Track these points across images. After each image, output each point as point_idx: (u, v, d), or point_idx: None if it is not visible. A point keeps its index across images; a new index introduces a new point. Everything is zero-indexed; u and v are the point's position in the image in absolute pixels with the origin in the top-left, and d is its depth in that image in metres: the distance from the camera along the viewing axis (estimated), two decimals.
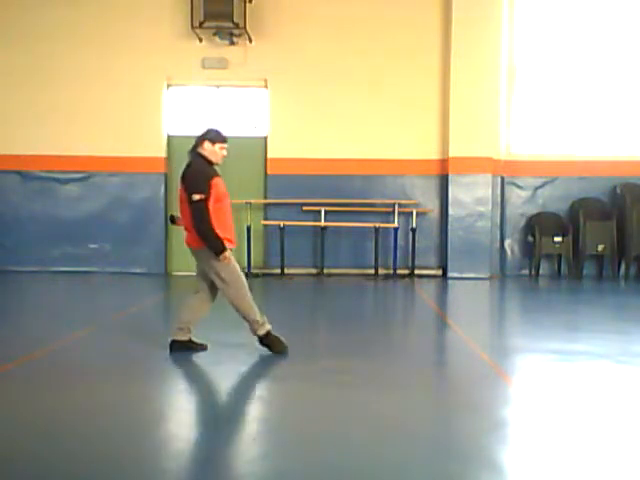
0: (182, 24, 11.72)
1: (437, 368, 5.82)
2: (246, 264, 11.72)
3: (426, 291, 10.55)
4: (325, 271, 11.78)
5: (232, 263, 5.78)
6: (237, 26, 11.39)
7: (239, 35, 11.69)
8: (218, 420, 4.25)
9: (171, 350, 5.88)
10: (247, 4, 11.44)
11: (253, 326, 5.88)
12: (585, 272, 11.92)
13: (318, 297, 10.37)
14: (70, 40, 11.89)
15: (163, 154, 12.11)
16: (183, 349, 5.88)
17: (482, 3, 11.64)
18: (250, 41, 11.81)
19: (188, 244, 5.88)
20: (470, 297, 10.18)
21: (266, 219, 12.01)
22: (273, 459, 3.59)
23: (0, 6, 11.93)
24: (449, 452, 3.71)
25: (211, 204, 5.60)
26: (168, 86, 12.15)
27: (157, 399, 4.75)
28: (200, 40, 11.78)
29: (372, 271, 11.70)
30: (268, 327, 5.91)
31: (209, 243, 5.62)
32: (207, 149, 5.79)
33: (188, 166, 5.79)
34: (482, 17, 11.62)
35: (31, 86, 11.92)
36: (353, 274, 11.86)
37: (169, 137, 12.21)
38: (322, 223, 11.69)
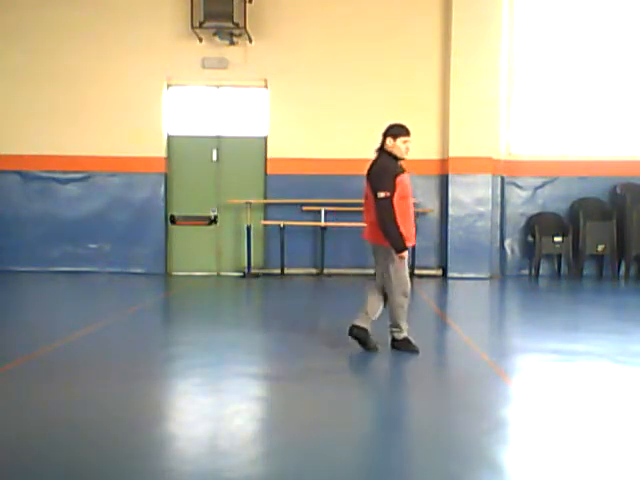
0: (182, 24, 11.73)
1: (437, 368, 5.82)
2: (246, 264, 11.74)
3: (426, 291, 10.55)
4: (325, 271, 11.78)
5: (404, 264, 5.85)
6: (237, 26, 11.39)
7: (239, 35, 11.69)
8: (218, 420, 4.25)
9: (350, 334, 5.92)
10: (247, 4, 11.44)
11: (395, 329, 5.94)
12: (585, 272, 11.92)
13: (318, 297, 10.37)
14: (70, 40, 11.89)
15: (163, 154, 12.11)
16: (360, 336, 5.88)
17: (482, 3, 11.64)
18: (250, 41, 11.82)
19: (368, 238, 5.94)
20: (470, 297, 10.18)
21: (266, 219, 12.00)
22: (273, 459, 3.59)
23: (0, 6, 11.93)
24: (449, 452, 3.71)
25: (395, 200, 5.66)
26: (168, 86, 12.15)
27: (157, 399, 4.75)
28: (200, 40, 11.78)
29: (372, 271, 11.66)
30: (405, 334, 5.95)
31: (392, 240, 5.68)
32: (390, 145, 5.83)
33: (374, 163, 5.83)
34: (482, 17, 11.62)
35: (31, 86, 11.92)
36: (353, 274, 11.86)
37: (169, 137, 12.21)
38: (322, 223, 11.69)
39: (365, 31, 11.96)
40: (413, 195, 11.79)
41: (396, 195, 5.68)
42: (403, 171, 5.84)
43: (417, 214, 11.77)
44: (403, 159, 5.90)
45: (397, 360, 5.86)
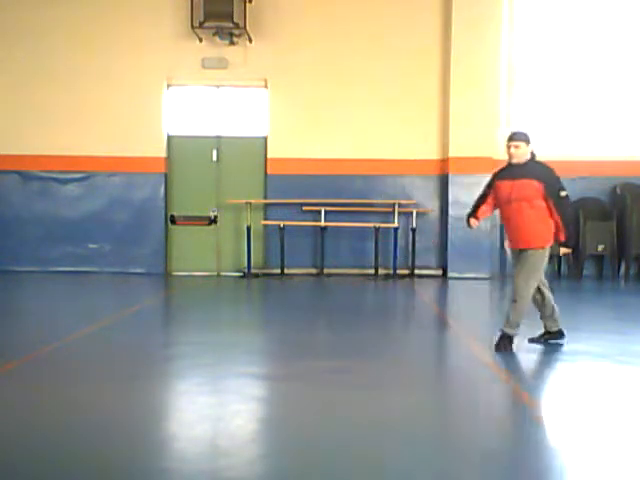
0: (182, 24, 11.72)
1: (437, 368, 5.82)
2: (246, 264, 11.73)
3: (426, 291, 10.55)
4: (325, 271, 11.77)
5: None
6: (237, 26, 11.39)
7: (239, 35, 11.69)
8: (218, 420, 4.25)
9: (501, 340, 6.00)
10: (247, 4, 11.44)
11: (508, 324, 5.97)
12: (585, 272, 11.91)
13: (318, 297, 10.36)
14: (70, 40, 11.89)
15: (163, 154, 12.11)
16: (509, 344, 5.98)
17: (482, 3, 11.64)
18: (250, 41, 11.81)
19: (525, 244, 6.03)
20: (470, 297, 10.18)
21: (266, 219, 12.00)
22: (273, 459, 3.59)
23: (0, 6, 11.93)
24: (449, 452, 3.71)
25: (489, 203, 6.25)
26: (168, 86, 12.15)
27: (157, 399, 4.75)
28: (200, 40, 11.78)
29: (372, 271, 11.69)
30: (516, 333, 5.98)
31: (571, 237, 5.98)
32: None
33: (535, 166, 6.04)
34: (482, 17, 11.62)
35: (31, 86, 11.92)
36: (353, 274, 11.85)
37: (169, 137, 12.21)
38: (322, 223, 11.68)
39: (365, 31, 11.96)
40: (413, 196, 11.95)
41: (489, 198, 6.25)
42: (506, 177, 6.08)
43: (417, 214, 11.90)
44: (511, 163, 6.09)
45: (397, 360, 5.86)
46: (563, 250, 6.09)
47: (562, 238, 5.99)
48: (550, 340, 6.25)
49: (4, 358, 5.60)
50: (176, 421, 4.34)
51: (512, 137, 6.09)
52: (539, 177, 5.99)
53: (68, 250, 12.04)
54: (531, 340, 6.27)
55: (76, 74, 11.92)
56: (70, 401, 4.56)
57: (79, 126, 11.95)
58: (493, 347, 5.96)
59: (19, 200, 12.09)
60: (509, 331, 5.95)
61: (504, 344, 5.94)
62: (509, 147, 6.04)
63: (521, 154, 6.03)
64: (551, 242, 6.01)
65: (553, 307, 6.20)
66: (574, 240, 6.11)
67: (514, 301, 5.98)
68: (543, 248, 5.98)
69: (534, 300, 6.16)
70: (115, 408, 4.41)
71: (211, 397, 4.72)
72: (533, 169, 6.03)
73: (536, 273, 6.01)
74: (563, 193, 5.99)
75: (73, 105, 11.96)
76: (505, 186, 6.05)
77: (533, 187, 5.95)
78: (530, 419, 4.28)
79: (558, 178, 6.08)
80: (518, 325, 5.96)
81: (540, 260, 5.99)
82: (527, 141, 6.05)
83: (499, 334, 5.98)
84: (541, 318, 6.26)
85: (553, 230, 5.97)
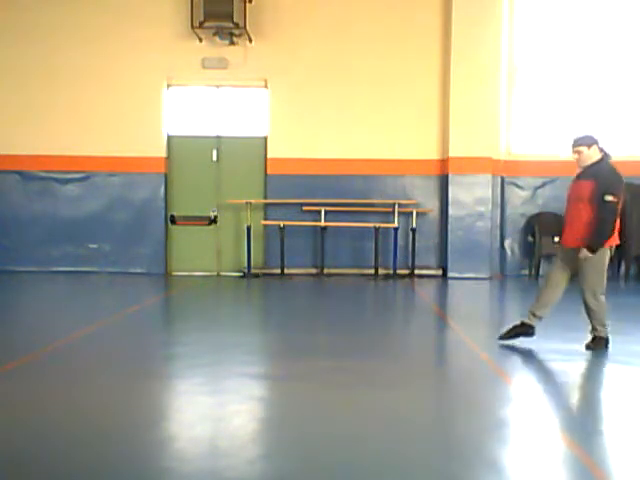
0: (182, 24, 11.72)
1: (437, 368, 5.82)
2: (246, 264, 11.73)
3: (426, 291, 10.55)
4: (325, 271, 11.78)
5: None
6: (237, 26, 11.39)
7: (239, 35, 11.69)
8: (218, 420, 4.25)
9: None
10: (247, 4, 11.44)
11: (596, 327, 6.13)
12: None
13: (318, 297, 10.36)
14: (70, 40, 11.89)
15: (163, 154, 12.11)
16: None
17: (482, 3, 11.64)
18: (250, 41, 11.81)
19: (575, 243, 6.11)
20: (470, 297, 10.17)
21: (266, 219, 12.00)
22: (273, 459, 3.59)
23: (0, 6, 11.93)
24: (449, 452, 3.71)
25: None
26: (168, 86, 12.15)
27: (157, 399, 4.75)
28: (200, 40, 11.78)
29: (372, 271, 11.69)
30: (607, 332, 6.11)
31: (596, 242, 6.03)
32: None
33: (596, 166, 6.13)
34: (482, 17, 11.62)
35: (31, 86, 11.92)
36: (353, 274, 11.85)
37: (169, 137, 12.21)
38: (322, 223, 11.69)
39: (365, 31, 11.96)
40: (413, 196, 11.95)
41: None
42: (577, 178, 6.18)
43: (417, 214, 11.90)
44: (580, 167, 6.19)
45: (397, 360, 5.86)
46: (583, 252, 5.98)
47: (588, 240, 5.97)
48: (519, 333, 6.27)
49: (4, 358, 5.61)
50: (176, 421, 4.34)
51: (573, 144, 6.16)
52: (594, 177, 6.04)
53: (68, 250, 12.04)
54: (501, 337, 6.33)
55: (76, 74, 11.92)
56: (70, 401, 4.56)
57: (79, 126, 11.95)
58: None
59: (19, 200, 12.09)
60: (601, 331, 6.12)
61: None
62: (574, 153, 6.15)
63: (584, 159, 6.11)
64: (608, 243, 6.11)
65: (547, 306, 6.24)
66: (597, 246, 5.99)
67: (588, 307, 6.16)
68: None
69: (543, 284, 6.35)
70: (115, 408, 4.41)
71: (211, 397, 4.71)
72: (592, 170, 6.09)
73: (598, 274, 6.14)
74: (608, 197, 5.95)
75: (73, 105, 11.96)
76: (574, 186, 6.21)
77: (586, 188, 6.04)
78: (530, 419, 4.28)
79: (613, 181, 6.06)
80: (605, 326, 6.11)
81: (598, 260, 6.04)
82: (588, 144, 6.10)
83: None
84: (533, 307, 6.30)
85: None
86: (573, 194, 6.16)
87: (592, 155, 6.10)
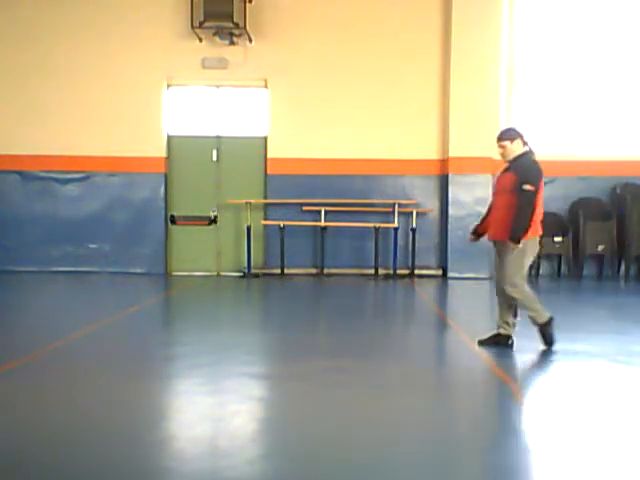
0: (182, 24, 11.72)
1: (437, 368, 5.82)
2: (246, 264, 11.73)
3: (426, 291, 10.55)
4: (325, 271, 11.78)
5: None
6: (237, 26, 11.39)
7: (239, 35, 11.69)
8: (218, 420, 4.25)
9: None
10: (247, 4, 11.44)
11: (508, 323, 6.15)
12: (585, 272, 11.91)
13: (318, 297, 10.37)
14: (70, 40, 11.90)
15: (163, 154, 12.11)
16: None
17: (482, 3, 11.64)
18: (250, 41, 11.81)
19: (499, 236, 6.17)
20: (470, 297, 10.18)
21: (266, 219, 12.00)
22: (273, 459, 3.59)
23: (0, 6, 11.93)
24: (449, 452, 3.71)
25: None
26: (168, 86, 12.15)
27: (157, 399, 4.75)
28: (200, 40, 11.78)
29: (372, 271, 11.69)
30: (548, 315, 6.03)
31: (514, 232, 5.95)
32: None
33: (518, 160, 6.12)
34: (482, 17, 11.62)
35: (31, 86, 11.92)
36: (353, 274, 11.86)
37: (169, 137, 12.21)
38: (322, 223, 11.69)
39: (365, 31, 11.96)
40: (413, 196, 11.95)
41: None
42: (504, 170, 6.21)
43: (417, 214, 11.89)
44: (505, 161, 6.22)
45: (397, 360, 5.86)
46: (509, 244, 5.95)
47: (509, 231, 5.95)
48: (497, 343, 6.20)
49: (4, 358, 5.61)
50: (176, 421, 4.34)
51: (497, 139, 6.18)
52: (515, 170, 6.05)
53: (68, 250, 12.04)
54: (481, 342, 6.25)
55: (76, 74, 11.92)
56: (70, 401, 4.56)
57: (79, 126, 11.95)
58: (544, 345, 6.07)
59: (19, 200, 12.09)
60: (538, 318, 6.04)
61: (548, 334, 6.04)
62: (498, 147, 6.18)
63: (508, 153, 6.13)
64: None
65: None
66: (517, 235, 5.88)
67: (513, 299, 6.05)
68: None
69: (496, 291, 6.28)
70: (115, 408, 4.41)
71: (211, 397, 4.72)
72: (515, 163, 6.10)
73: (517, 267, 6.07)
74: (526, 187, 5.93)
75: (73, 105, 11.96)
76: (501, 178, 6.22)
77: (509, 180, 6.06)
78: (530, 419, 4.28)
79: (532, 172, 6.00)
80: (538, 310, 6.02)
81: (519, 251, 5.96)
82: (511, 139, 6.10)
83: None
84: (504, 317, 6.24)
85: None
86: (498, 186, 6.20)
87: (515, 149, 6.10)
